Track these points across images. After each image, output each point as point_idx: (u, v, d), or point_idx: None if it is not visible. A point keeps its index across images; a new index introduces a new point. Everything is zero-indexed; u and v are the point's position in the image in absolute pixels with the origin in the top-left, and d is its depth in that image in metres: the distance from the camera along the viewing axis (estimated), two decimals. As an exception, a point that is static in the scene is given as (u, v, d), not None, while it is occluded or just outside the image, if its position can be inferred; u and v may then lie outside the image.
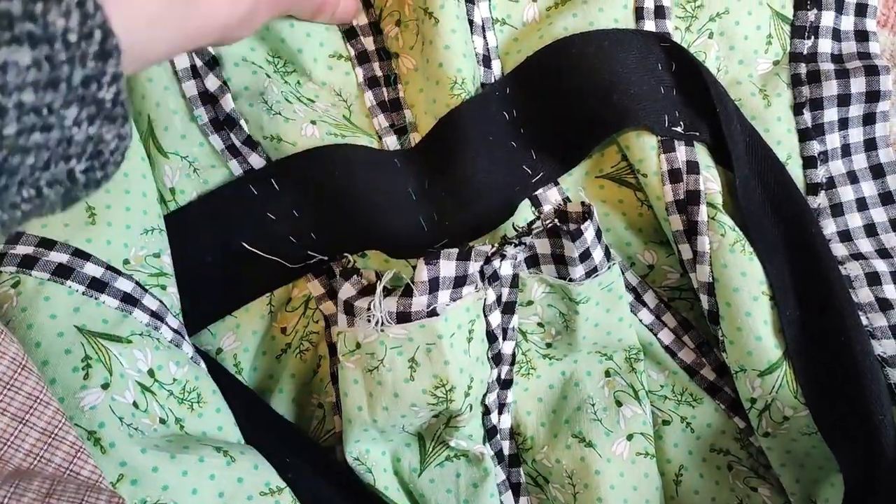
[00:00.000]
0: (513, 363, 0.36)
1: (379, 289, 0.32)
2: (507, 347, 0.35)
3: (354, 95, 0.38)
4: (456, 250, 0.32)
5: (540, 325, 0.36)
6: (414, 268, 0.32)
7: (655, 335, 0.36)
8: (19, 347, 0.29)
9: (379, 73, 0.38)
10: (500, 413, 0.36)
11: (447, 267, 0.31)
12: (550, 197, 0.36)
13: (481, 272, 0.32)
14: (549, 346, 0.36)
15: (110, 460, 0.29)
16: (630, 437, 0.35)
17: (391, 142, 0.37)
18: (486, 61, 0.37)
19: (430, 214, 0.36)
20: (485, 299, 0.33)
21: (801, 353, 0.33)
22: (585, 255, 0.33)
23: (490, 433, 0.35)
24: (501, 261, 0.33)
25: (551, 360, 0.37)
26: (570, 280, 0.33)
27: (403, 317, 0.31)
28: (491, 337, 0.34)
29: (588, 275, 0.33)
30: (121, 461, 0.29)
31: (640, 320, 0.36)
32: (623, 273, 0.36)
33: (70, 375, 0.30)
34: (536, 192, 0.36)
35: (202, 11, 0.26)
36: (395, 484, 0.35)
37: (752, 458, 0.36)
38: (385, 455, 0.35)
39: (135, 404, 0.31)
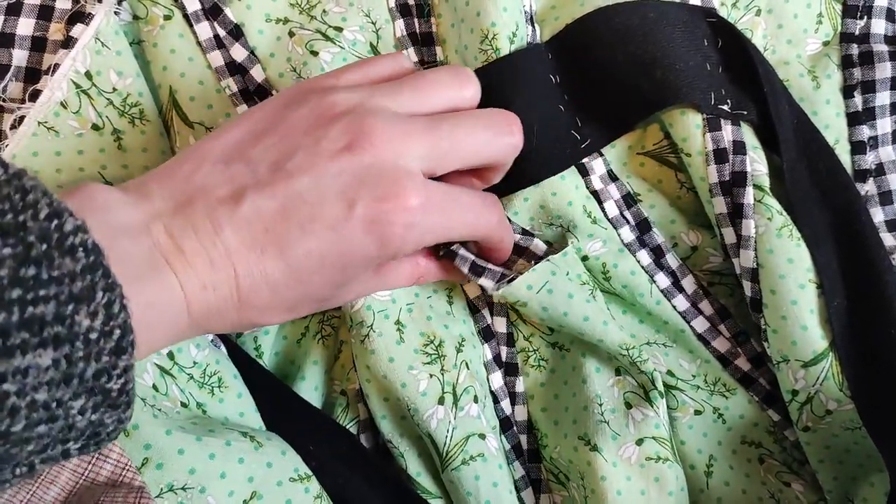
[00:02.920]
0: (511, 343, 0.35)
1: None
2: (498, 324, 0.35)
3: (384, 19, 0.36)
4: None
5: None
6: None
7: (689, 323, 0.35)
8: None
9: (412, 0, 0.37)
10: (512, 403, 0.35)
11: None
12: (596, 167, 0.35)
13: None
14: (551, 330, 0.35)
15: (134, 443, 0.28)
16: (640, 442, 0.33)
17: None
18: (531, 21, 0.36)
19: None
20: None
21: (848, 345, 0.31)
22: (478, 270, 0.32)
23: (504, 424, 0.34)
24: None
25: (561, 350, 0.36)
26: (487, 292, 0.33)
27: None
28: (472, 308, 0.33)
29: (499, 281, 0.32)
30: (145, 444, 0.28)
31: (675, 307, 0.35)
32: (665, 253, 0.35)
33: None
34: (583, 161, 0.35)
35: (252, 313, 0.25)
36: (425, 470, 0.34)
37: (785, 453, 0.35)
38: (421, 439, 0.34)
39: (154, 387, 0.30)
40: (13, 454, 0.19)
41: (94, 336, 0.19)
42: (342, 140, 0.25)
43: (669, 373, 0.35)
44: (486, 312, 0.35)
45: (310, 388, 0.34)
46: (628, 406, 0.34)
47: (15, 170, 0.20)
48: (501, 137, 0.29)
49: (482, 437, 0.33)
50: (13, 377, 0.18)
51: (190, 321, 0.24)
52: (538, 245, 0.34)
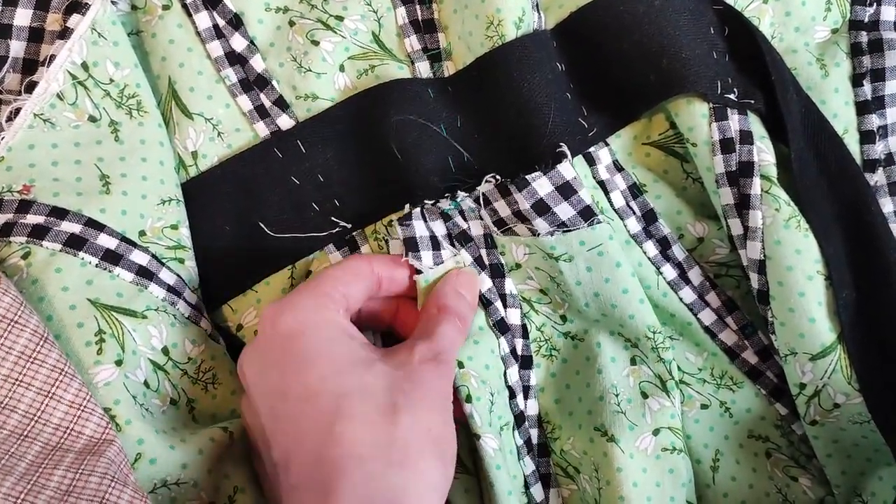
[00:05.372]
0: (525, 335, 0.35)
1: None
2: (512, 316, 0.34)
3: (386, 7, 0.36)
4: (418, 210, 0.32)
5: (542, 292, 0.35)
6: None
7: (696, 315, 0.34)
8: (39, 320, 0.28)
9: None
10: (525, 398, 0.34)
11: (420, 227, 0.32)
12: (602, 157, 0.35)
13: (449, 234, 0.33)
14: (564, 319, 0.35)
15: (127, 438, 0.28)
16: (656, 432, 0.33)
17: (423, 68, 0.36)
18: (537, 8, 0.35)
19: (459, 154, 0.35)
20: (462, 262, 0.33)
21: (857, 337, 0.31)
22: (542, 208, 0.31)
23: (518, 420, 0.34)
24: (466, 221, 0.33)
25: (574, 339, 0.35)
26: (537, 234, 0.32)
27: None
28: (484, 301, 0.33)
29: (558, 227, 0.32)
30: (138, 438, 0.28)
31: (681, 299, 0.34)
32: (672, 245, 0.35)
33: (83, 350, 0.29)
34: (590, 150, 0.35)
35: None
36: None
37: (792, 447, 0.34)
38: None
39: (146, 384, 0.30)
40: None
41: None
42: None
43: (676, 367, 0.35)
44: (498, 305, 0.34)
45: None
46: (644, 396, 0.33)
47: None
48: None
49: (476, 437, 0.32)
50: None
51: None
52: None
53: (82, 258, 0.30)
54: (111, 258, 0.30)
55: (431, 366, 0.29)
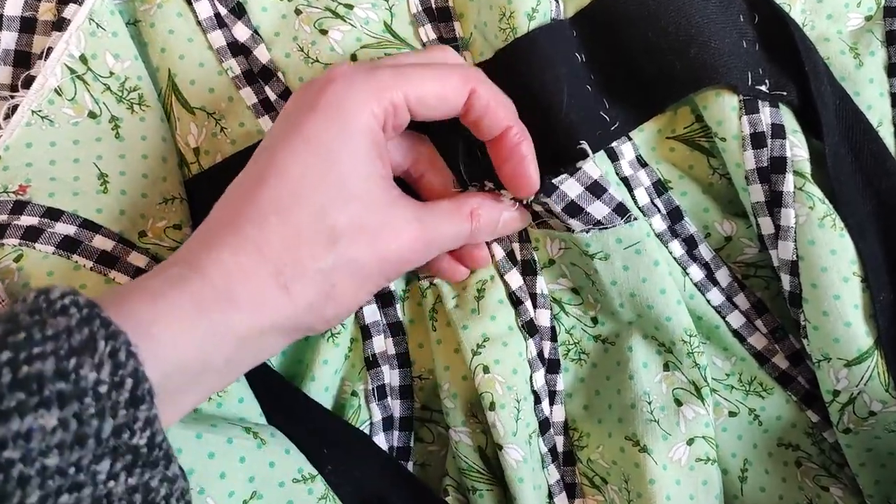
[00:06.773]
0: (553, 338, 0.34)
1: None
2: (542, 318, 0.33)
3: None
4: None
5: (575, 291, 0.34)
6: None
7: (724, 318, 0.33)
8: None
9: None
10: (551, 403, 0.33)
11: None
12: (625, 152, 0.33)
13: None
14: (595, 321, 0.34)
15: None
16: (690, 442, 0.31)
17: None
18: None
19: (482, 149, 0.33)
20: (493, 255, 0.33)
21: (895, 342, 0.29)
22: (575, 210, 0.31)
23: (543, 426, 0.33)
24: None
25: (605, 343, 0.34)
26: (572, 231, 0.31)
27: None
28: (514, 300, 0.32)
29: (594, 226, 0.31)
30: None
31: (709, 301, 0.33)
32: (699, 244, 0.33)
33: None
34: (612, 145, 0.33)
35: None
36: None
37: (823, 455, 0.33)
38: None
39: None
40: None
41: (103, 389, 0.19)
42: None
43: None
44: (528, 304, 0.33)
45: (320, 390, 0.33)
46: (678, 403, 0.32)
47: None
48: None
49: (499, 448, 0.31)
50: (14, 443, 0.17)
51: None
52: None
53: (76, 261, 0.29)
54: (106, 261, 0.30)
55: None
